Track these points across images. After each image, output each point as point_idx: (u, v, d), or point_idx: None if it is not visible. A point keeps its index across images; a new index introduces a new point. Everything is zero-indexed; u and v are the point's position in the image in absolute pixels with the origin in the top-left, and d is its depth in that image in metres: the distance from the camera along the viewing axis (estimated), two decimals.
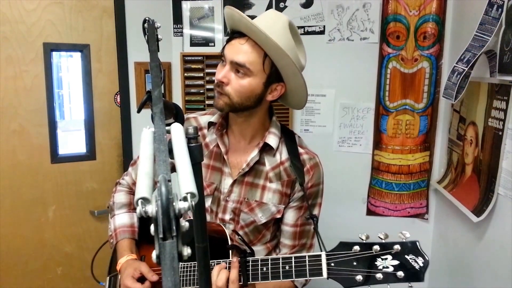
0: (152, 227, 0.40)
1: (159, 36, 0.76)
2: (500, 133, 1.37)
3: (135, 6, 2.02)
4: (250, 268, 1.03)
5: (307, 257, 0.98)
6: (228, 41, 1.12)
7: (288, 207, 1.22)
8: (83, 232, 2.16)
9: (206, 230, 0.75)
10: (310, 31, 2.01)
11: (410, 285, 0.89)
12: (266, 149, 1.19)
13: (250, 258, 1.03)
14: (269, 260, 1.01)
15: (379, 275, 0.90)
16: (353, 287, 0.92)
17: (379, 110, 2.00)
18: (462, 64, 1.49)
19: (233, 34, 1.12)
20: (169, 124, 0.58)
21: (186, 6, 2.04)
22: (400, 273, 0.89)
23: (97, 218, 2.16)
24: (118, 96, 2.10)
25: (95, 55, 2.04)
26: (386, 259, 0.90)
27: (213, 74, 1.36)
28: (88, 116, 2.08)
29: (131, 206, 1.32)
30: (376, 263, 0.91)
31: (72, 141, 2.14)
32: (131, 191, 1.35)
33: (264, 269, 1.01)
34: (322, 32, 2.00)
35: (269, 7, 1.99)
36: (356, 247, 0.93)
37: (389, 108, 1.98)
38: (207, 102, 2.09)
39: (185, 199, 0.42)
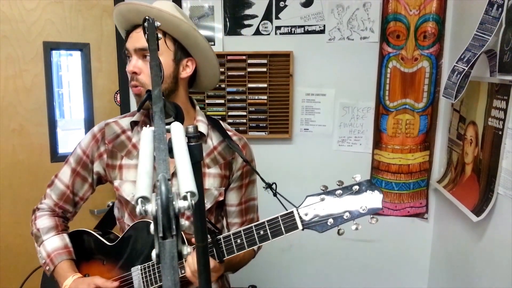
0: (151, 226, 0.40)
1: (159, 35, 0.76)
2: (500, 132, 1.37)
3: None
4: (223, 244, 1.08)
5: (279, 217, 1.05)
6: (126, 40, 1.14)
7: (229, 189, 1.25)
8: None
9: (206, 229, 0.75)
10: (310, 30, 2.00)
11: (371, 216, 1.01)
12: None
13: (221, 236, 1.08)
14: (242, 231, 1.07)
15: (346, 214, 1.02)
16: (327, 230, 1.03)
17: (379, 110, 2.00)
18: (462, 63, 1.49)
19: (127, 32, 1.15)
20: (169, 123, 0.58)
21: (186, 5, 2.04)
22: (364, 207, 1.02)
23: (97, 217, 2.16)
24: (118, 95, 2.09)
25: (95, 54, 2.04)
26: (349, 199, 1.03)
27: None
28: (88, 115, 2.08)
29: (59, 228, 1.25)
30: (341, 205, 1.03)
31: (72, 140, 2.13)
32: (55, 213, 1.28)
33: (238, 241, 1.07)
34: (322, 32, 2.00)
35: (269, 6, 1.99)
36: (322, 196, 1.04)
37: (389, 107, 1.98)
38: (207, 101, 2.09)
39: (185, 198, 0.42)
